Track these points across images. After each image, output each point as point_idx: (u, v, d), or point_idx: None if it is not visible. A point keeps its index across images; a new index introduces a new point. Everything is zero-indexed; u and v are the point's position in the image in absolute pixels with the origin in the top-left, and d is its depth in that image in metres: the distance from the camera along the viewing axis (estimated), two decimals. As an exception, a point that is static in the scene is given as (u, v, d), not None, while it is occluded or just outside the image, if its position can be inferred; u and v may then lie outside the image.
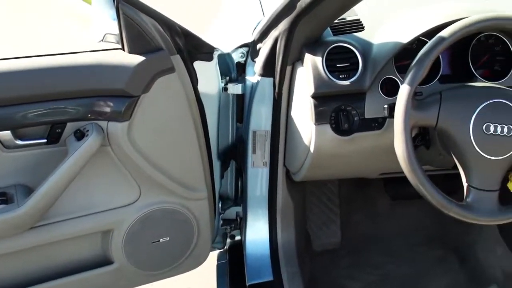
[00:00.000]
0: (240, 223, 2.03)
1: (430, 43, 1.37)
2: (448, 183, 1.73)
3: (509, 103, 1.36)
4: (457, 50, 1.64)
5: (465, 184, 1.40)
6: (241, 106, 1.84)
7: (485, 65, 1.66)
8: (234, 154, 1.92)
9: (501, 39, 1.63)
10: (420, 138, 1.55)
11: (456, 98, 1.40)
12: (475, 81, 1.59)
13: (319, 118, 1.56)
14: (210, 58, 1.69)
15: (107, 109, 1.39)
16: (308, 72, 1.55)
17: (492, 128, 1.35)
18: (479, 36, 1.62)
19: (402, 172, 1.41)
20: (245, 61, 1.79)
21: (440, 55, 1.59)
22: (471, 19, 1.36)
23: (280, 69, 1.63)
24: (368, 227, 2.41)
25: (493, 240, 2.19)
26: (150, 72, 1.42)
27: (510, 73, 1.60)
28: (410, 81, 1.35)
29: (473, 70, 1.61)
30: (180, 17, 1.62)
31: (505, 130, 1.35)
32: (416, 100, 1.39)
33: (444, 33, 1.36)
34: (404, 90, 1.35)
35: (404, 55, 1.55)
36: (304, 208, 2.26)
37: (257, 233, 1.95)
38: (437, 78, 1.59)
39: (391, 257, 2.32)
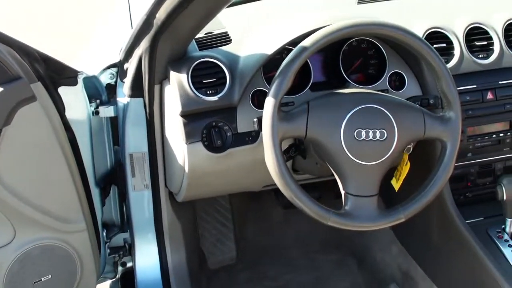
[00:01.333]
0: (129, 250, 1.95)
1: (292, 53, 1.35)
2: None
3: (379, 107, 1.36)
4: (329, 56, 1.65)
5: (342, 192, 1.40)
6: (116, 129, 1.77)
7: (359, 70, 1.69)
8: (114, 179, 1.84)
9: (374, 43, 1.66)
10: (295, 149, 1.54)
11: (324, 106, 1.39)
12: (348, 86, 1.61)
13: (190, 136, 1.52)
14: (74, 83, 1.61)
15: None
16: (175, 90, 1.50)
17: (363, 134, 1.35)
18: (350, 41, 1.64)
19: None
20: (115, 82, 1.72)
21: (310, 63, 1.60)
22: (332, 27, 1.35)
23: (148, 88, 1.58)
24: (264, 238, 2.39)
25: (388, 240, 2.22)
26: (9, 103, 1.34)
27: (383, 76, 1.64)
28: (274, 93, 1.33)
29: (345, 76, 1.62)
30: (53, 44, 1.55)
31: (378, 134, 1.35)
32: (283, 111, 1.37)
33: (306, 42, 1.35)
34: (269, 103, 1.33)
35: (273, 66, 1.53)
36: (195, 227, 2.21)
37: (147, 258, 1.88)
38: (308, 86, 1.59)
39: (289, 266, 2.31)
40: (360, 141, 1.35)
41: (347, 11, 1.80)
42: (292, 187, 1.34)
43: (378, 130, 1.35)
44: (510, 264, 1.58)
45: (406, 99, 1.55)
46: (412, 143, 1.45)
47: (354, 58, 1.67)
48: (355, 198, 1.38)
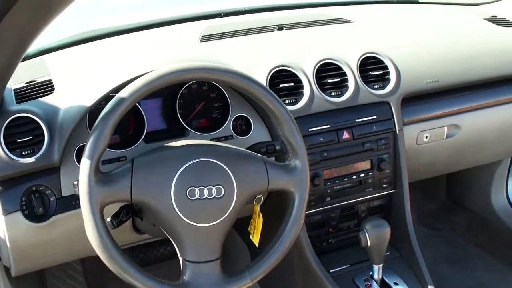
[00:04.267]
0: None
1: (108, 105, 1.16)
2: None
3: (214, 161, 1.20)
4: (168, 101, 1.49)
5: (180, 259, 1.23)
6: None
7: (202, 115, 1.53)
8: None
9: (216, 85, 1.52)
10: (127, 211, 1.33)
11: (150, 163, 1.20)
12: (188, 135, 1.45)
13: (7, 206, 1.29)
14: None
15: None
16: None
17: (197, 193, 1.17)
18: (190, 84, 1.49)
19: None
20: None
21: (143, 110, 1.42)
22: (152, 75, 1.17)
23: None
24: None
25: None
26: None
27: (227, 121, 1.49)
28: (89, 152, 1.13)
29: (183, 123, 1.46)
30: None
31: (214, 191, 1.18)
32: (102, 173, 1.17)
33: (124, 92, 1.16)
34: (84, 164, 1.13)
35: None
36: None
37: None
38: (142, 137, 1.41)
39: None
40: (194, 201, 1.17)
41: (188, 51, 1.65)
42: (117, 260, 1.14)
43: (214, 186, 1.18)
44: None
45: (252, 145, 1.42)
46: (261, 194, 1.31)
47: (195, 102, 1.52)
48: (194, 265, 1.20)
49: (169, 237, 1.24)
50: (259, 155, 1.29)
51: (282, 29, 1.82)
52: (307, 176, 1.29)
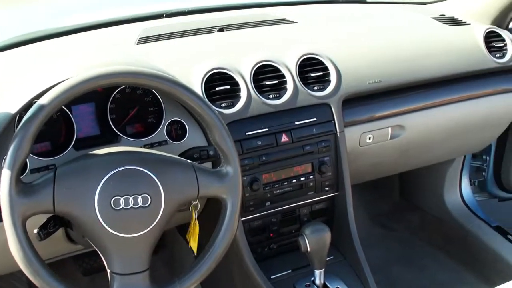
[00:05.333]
0: None
1: (28, 113, 1.11)
2: None
3: (140, 169, 1.15)
4: (100, 106, 1.43)
5: (108, 271, 1.18)
6: None
7: (136, 120, 1.48)
8: None
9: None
10: (54, 223, 1.27)
11: (73, 173, 1.15)
12: (119, 141, 1.40)
13: None
14: None
15: None
16: None
17: (122, 202, 1.12)
18: (123, 88, 1.44)
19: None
20: None
21: (72, 115, 1.37)
22: (73, 80, 1.12)
23: None
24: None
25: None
26: None
27: (160, 126, 1.44)
28: (9, 162, 1.07)
29: (115, 129, 1.41)
30: None
31: (140, 201, 1.13)
32: (24, 183, 1.11)
33: (44, 99, 1.11)
34: (4, 175, 1.08)
35: None
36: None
37: None
38: (72, 144, 1.36)
39: None
40: (119, 211, 1.12)
41: (123, 54, 1.59)
42: (41, 275, 1.09)
43: (139, 195, 1.13)
44: None
45: (185, 151, 1.38)
46: (197, 200, 1.27)
47: (129, 106, 1.46)
48: (122, 278, 1.15)
49: (95, 248, 1.20)
50: (189, 161, 1.25)
51: (223, 30, 1.78)
52: (239, 182, 1.25)
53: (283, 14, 1.95)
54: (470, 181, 2.47)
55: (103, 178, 1.13)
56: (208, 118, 1.23)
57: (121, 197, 1.13)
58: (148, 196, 1.14)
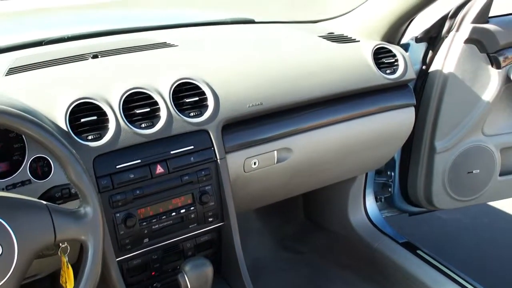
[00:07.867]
0: None
1: None
2: None
3: None
4: None
5: None
6: None
7: (2, 158, 1.35)
8: None
9: None
10: None
11: None
12: None
13: None
14: None
15: None
16: None
17: None
18: None
19: None
20: None
21: None
22: None
23: None
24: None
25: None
26: None
27: (23, 164, 1.33)
28: None
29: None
30: None
31: None
32: None
33: None
34: None
35: None
36: None
37: None
38: None
39: None
40: None
41: None
42: None
43: None
44: None
45: (47, 190, 1.29)
46: (63, 243, 1.18)
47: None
48: None
49: None
50: (44, 202, 1.14)
51: (97, 57, 1.68)
52: (100, 222, 1.16)
53: (165, 37, 1.87)
54: (376, 197, 2.45)
55: None
56: (60, 154, 1.14)
57: None
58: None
